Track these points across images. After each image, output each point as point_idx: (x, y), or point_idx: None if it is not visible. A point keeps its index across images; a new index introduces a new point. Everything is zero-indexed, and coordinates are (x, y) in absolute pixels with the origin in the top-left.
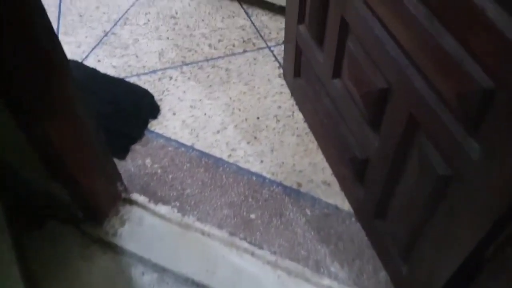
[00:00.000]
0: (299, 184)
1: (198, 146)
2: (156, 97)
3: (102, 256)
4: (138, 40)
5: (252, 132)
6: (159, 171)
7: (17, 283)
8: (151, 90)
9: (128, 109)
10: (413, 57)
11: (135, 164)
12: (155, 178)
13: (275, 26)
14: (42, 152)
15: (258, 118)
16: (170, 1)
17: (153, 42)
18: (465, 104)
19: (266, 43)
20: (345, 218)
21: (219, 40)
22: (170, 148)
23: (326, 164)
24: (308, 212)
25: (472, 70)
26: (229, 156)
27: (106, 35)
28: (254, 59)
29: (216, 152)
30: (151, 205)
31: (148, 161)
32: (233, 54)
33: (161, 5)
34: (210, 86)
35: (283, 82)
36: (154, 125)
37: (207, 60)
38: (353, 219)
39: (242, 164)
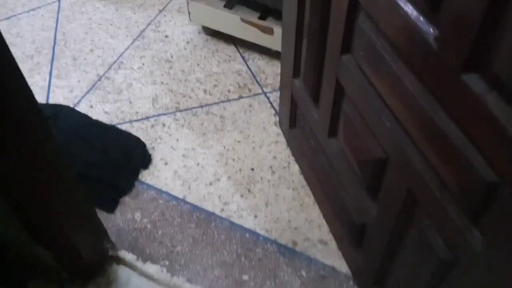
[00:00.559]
0: (295, 243)
1: (189, 199)
2: (148, 145)
3: None
4: (132, 85)
5: (246, 185)
6: (148, 226)
7: None
8: (143, 138)
9: (118, 159)
10: (410, 134)
11: (124, 218)
12: (144, 234)
13: (271, 71)
14: (23, 214)
15: (252, 169)
16: (165, 44)
17: (147, 87)
18: (467, 194)
19: (262, 89)
20: (342, 282)
21: (215, 86)
22: (160, 201)
23: (323, 221)
24: (304, 273)
25: (475, 161)
26: (222, 210)
27: (99, 79)
28: (250, 105)
29: (208, 206)
30: (139, 264)
31: (137, 215)
32: (228, 100)
33: (156, 48)
34: (204, 134)
35: (279, 130)
36: (145, 176)
37: (201, 106)
38: (351, 282)
39: (235, 220)
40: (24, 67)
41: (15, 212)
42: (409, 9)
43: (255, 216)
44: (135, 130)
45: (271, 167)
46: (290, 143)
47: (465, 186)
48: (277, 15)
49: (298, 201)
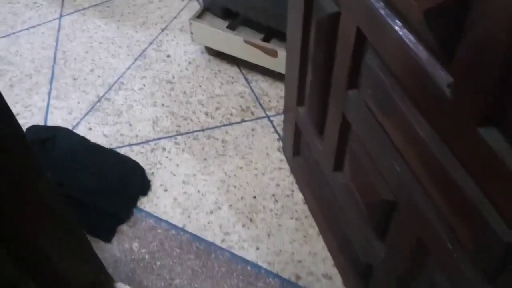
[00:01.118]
0: (298, 277)
1: (189, 228)
2: (148, 171)
3: None
4: (132, 107)
5: (248, 214)
6: (146, 256)
7: None
8: (143, 163)
9: (116, 185)
10: (421, 180)
11: (121, 248)
12: (142, 265)
13: (275, 94)
14: (9, 245)
15: (254, 197)
16: (167, 65)
17: (147, 109)
18: (482, 251)
19: (266, 113)
20: None
21: (217, 108)
22: (159, 230)
23: (327, 254)
24: None
25: (491, 218)
26: (223, 240)
27: (99, 100)
28: (253, 129)
29: (209, 236)
30: None
31: (135, 244)
32: (231, 123)
33: (158, 68)
34: (205, 159)
35: (283, 156)
36: (144, 203)
37: (203, 130)
38: None
39: (236, 251)
40: (23, 87)
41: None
42: (420, 51)
43: (257, 248)
44: (135, 154)
45: (274, 195)
46: (293, 171)
47: (480, 243)
48: (281, 37)
49: (301, 232)
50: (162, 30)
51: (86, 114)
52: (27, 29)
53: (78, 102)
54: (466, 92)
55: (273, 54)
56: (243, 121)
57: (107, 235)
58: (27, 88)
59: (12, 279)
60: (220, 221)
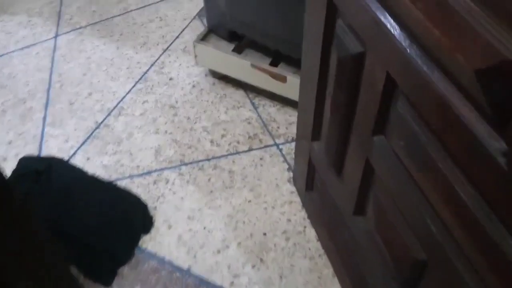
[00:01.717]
0: None
1: (195, 269)
2: (150, 205)
3: None
4: (133, 134)
5: (258, 253)
6: None
7: None
8: (145, 196)
9: (117, 222)
10: (460, 243)
11: None
12: None
13: (283, 120)
14: None
15: (264, 234)
16: (170, 88)
17: (149, 137)
18: None
19: (274, 140)
20: None
21: (222, 135)
22: (163, 272)
23: None
24: None
25: None
26: (231, 284)
27: (98, 127)
28: (261, 159)
29: (216, 279)
30: None
31: None
32: (238, 152)
33: (160, 92)
34: (211, 192)
35: (293, 188)
36: (146, 242)
37: (208, 159)
38: None
39: None
40: (16, 113)
41: None
42: (467, 112)
43: None
44: (136, 186)
45: (285, 231)
46: (305, 205)
47: None
48: (290, 61)
49: (315, 273)
50: (164, 50)
51: (84, 142)
52: (21, 49)
53: (75, 129)
54: None
55: (282, 79)
56: (250, 149)
57: (107, 279)
58: (20, 113)
59: None
60: (228, 261)
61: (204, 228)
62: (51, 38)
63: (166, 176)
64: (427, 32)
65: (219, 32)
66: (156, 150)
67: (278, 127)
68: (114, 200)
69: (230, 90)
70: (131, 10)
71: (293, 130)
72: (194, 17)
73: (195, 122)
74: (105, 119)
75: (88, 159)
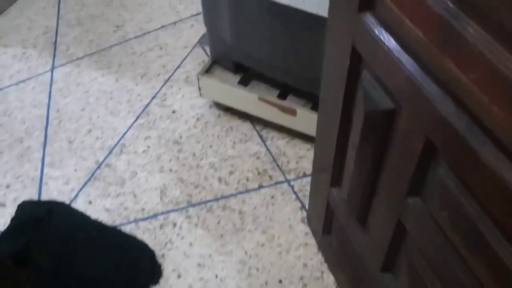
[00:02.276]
0: None
1: None
2: (158, 252)
3: None
4: (136, 174)
5: None
6: None
7: None
8: (151, 243)
9: (123, 273)
10: None
11: None
12: None
13: (293, 154)
14: None
15: (280, 281)
16: (172, 122)
17: (153, 176)
18: None
19: (285, 176)
20: None
21: (230, 172)
22: None
23: None
24: None
25: None
26: None
27: (99, 167)
28: (272, 197)
29: None
30: None
31: None
32: (247, 190)
33: (162, 127)
34: (222, 235)
35: (308, 229)
36: None
37: (217, 199)
38: None
39: None
40: (13, 153)
41: None
42: None
43: None
44: (141, 232)
45: (301, 278)
46: (322, 248)
47: None
48: (299, 93)
49: None
50: (165, 81)
51: (85, 184)
52: (16, 84)
53: (75, 170)
54: None
55: (292, 112)
56: (261, 187)
57: None
58: (17, 154)
59: None
60: None
61: (216, 276)
62: (47, 71)
63: (173, 220)
64: (480, 104)
65: (223, 64)
66: (161, 191)
67: (288, 162)
68: (119, 247)
69: (236, 122)
70: (130, 39)
71: (303, 164)
72: (195, 45)
73: (201, 159)
74: (106, 158)
75: (90, 202)
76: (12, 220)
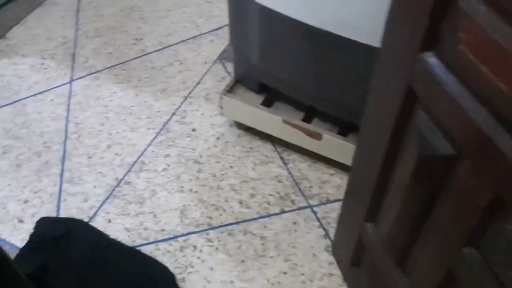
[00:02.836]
0: None
1: None
2: (178, 275)
3: None
4: (156, 193)
5: None
6: None
7: None
8: (171, 265)
9: None
10: None
11: None
12: None
13: (316, 178)
14: None
15: None
16: (193, 140)
17: (173, 196)
18: None
19: (307, 201)
20: None
21: (251, 195)
22: None
23: None
24: None
25: None
26: None
27: (118, 184)
28: (294, 223)
29: None
30: None
31: None
32: (269, 215)
33: (182, 145)
34: (243, 261)
35: (332, 258)
36: None
37: (237, 222)
38: None
39: None
40: (31, 167)
41: None
42: None
43: None
44: (161, 253)
45: None
46: (349, 281)
47: None
48: (324, 117)
49: None
50: (185, 98)
51: (104, 201)
52: (34, 95)
53: (95, 187)
54: None
55: (317, 137)
56: (282, 212)
57: None
58: (36, 168)
59: None
60: None
61: None
62: (66, 83)
63: (193, 242)
64: None
65: (247, 84)
66: (181, 212)
67: (311, 187)
68: (140, 269)
69: (257, 143)
70: (149, 53)
71: (327, 190)
72: (215, 61)
73: (222, 180)
74: (125, 175)
75: (109, 221)
76: (30, 237)
